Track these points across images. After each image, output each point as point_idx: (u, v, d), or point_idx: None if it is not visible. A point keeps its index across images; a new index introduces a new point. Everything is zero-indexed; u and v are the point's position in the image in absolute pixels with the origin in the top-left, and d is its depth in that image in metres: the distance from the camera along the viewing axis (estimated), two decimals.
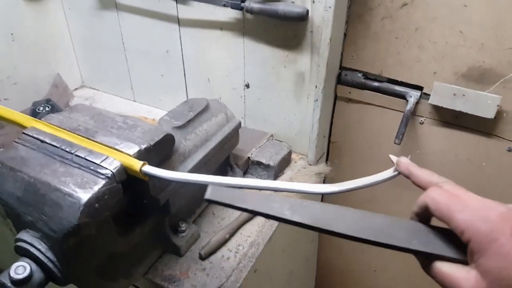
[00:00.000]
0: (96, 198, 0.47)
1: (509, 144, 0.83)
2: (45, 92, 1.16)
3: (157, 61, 1.11)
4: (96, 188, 0.47)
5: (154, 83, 1.16)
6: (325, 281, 1.36)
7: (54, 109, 0.88)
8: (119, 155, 0.51)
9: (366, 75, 0.91)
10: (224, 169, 0.89)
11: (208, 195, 0.44)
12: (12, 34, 1.05)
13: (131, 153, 0.52)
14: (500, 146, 0.84)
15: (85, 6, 1.13)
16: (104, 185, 0.48)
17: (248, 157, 0.94)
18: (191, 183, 0.49)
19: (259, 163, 0.93)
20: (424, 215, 0.41)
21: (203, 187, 0.80)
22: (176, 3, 0.97)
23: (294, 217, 0.41)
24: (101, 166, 0.49)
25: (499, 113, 0.79)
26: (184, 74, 1.09)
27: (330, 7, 0.74)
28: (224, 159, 0.86)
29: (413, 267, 1.10)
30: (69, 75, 1.25)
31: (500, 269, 0.33)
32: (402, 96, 0.88)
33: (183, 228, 0.76)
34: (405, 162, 0.46)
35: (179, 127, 0.71)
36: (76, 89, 1.29)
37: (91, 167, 0.49)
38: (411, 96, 0.86)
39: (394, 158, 0.47)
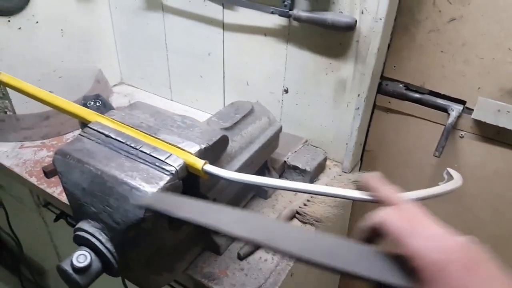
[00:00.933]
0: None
1: None
2: (87, 86, 1.20)
3: (197, 62, 1.13)
4: (161, 183, 0.49)
5: (193, 83, 1.18)
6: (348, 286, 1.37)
7: (103, 104, 0.91)
8: (181, 153, 0.53)
9: (408, 86, 0.92)
10: (261, 171, 0.91)
11: (145, 201, 0.43)
12: (62, 29, 1.09)
13: (193, 152, 0.54)
14: None
15: (132, 6, 1.16)
16: (168, 181, 0.50)
17: (284, 161, 0.96)
18: (237, 183, 0.50)
19: (295, 168, 0.95)
20: (375, 235, 0.39)
21: (242, 188, 0.82)
22: (223, 8, 0.99)
23: (235, 230, 0.38)
24: (166, 162, 0.51)
25: None
26: (223, 76, 1.11)
27: (380, 19, 0.75)
28: (264, 162, 0.87)
29: None
30: (109, 72, 1.28)
31: None
32: (443, 109, 0.89)
33: None
34: (373, 177, 0.44)
35: (227, 129, 0.73)
36: (115, 85, 1.33)
37: (156, 163, 0.51)
38: (453, 110, 0.87)
39: (452, 171, 0.48)
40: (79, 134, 0.56)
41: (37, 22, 1.03)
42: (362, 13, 0.80)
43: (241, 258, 0.76)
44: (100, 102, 0.89)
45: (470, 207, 0.96)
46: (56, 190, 0.89)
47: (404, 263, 0.35)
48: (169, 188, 0.50)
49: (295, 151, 0.99)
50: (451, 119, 0.86)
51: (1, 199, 1.42)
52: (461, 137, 0.89)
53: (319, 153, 0.99)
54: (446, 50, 0.84)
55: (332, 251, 0.37)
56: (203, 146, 0.55)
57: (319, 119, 0.99)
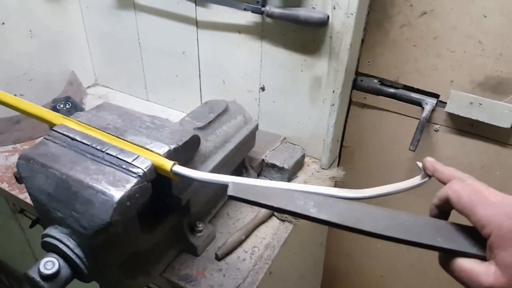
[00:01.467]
0: (128, 197, 0.48)
1: None
2: (59, 89, 1.17)
3: (172, 61, 1.11)
4: (128, 186, 0.48)
5: (169, 83, 1.17)
6: (331, 285, 1.37)
7: (74, 106, 0.89)
8: (150, 154, 0.52)
9: (382, 81, 0.92)
10: (239, 170, 0.90)
11: (231, 191, 0.44)
12: (30, 31, 1.06)
13: (161, 153, 0.52)
14: None
15: (103, 5, 1.14)
16: (136, 184, 0.49)
17: (262, 159, 0.95)
18: (211, 183, 0.49)
19: (273, 166, 0.94)
20: (444, 208, 0.42)
21: (220, 188, 0.81)
22: (195, 6, 0.98)
23: (321, 215, 0.41)
24: (133, 165, 0.50)
25: None
26: (199, 75, 1.10)
27: (352, 14, 0.75)
28: (241, 161, 0.86)
29: (419, 272, 1.11)
30: (82, 73, 1.26)
31: None
32: (418, 103, 0.89)
33: (200, 228, 0.76)
34: (430, 160, 0.47)
35: (200, 128, 0.72)
36: (89, 86, 1.30)
37: (123, 166, 0.50)
38: (427, 104, 0.87)
39: (420, 164, 0.48)
40: (44, 138, 0.54)
41: (3, 23, 1.00)
42: (334, 8, 0.80)
43: (219, 258, 0.76)
44: (70, 105, 0.87)
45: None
46: (28, 195, 0.87)
47: (474, 234, 0.38)
48: (137, 190, 0.49)
49: (273, 149, 0.98)
50: (425, 113, 0.87)
51: None
52: (436, 130, 0.90)
53: (297, 151, 0.99)
54: (419, 44, 0.84)
55: (411, 227, 0.40)
56: (172, 146, 0.54)
57: (296, 117, 0.99)
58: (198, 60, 1.07)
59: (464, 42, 0.79)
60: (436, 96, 0.87)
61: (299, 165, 0.98)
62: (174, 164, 0.51)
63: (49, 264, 0.49)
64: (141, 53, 1.16)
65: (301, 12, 0.81)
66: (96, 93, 1.27)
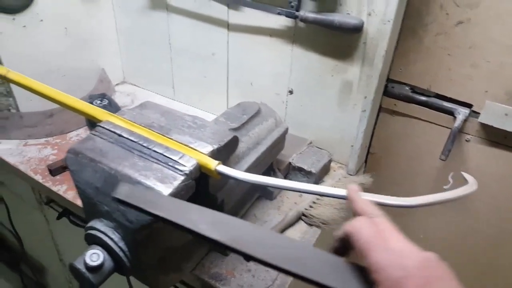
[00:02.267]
0: (175, 194, 0.49)
1: None
2: (91, 85, 1.19)
3: (201, 62, 1.13)
4: (176, 183, 0.49)
5: (196, 83, 1.18)
6: None
7: (110, 103, 0.91)
8: (194, 153, 0.53)
9: (414, 89, 0.92)
10: (267, 173, 0.91)
11: (118, 194, 0.40)
12: (66, 28, 1.08)
13: (205, 152, 0.53)
14: None
15: (135, 6, 1.16)
16: (182, 181, 0.50)
17: (289, 162, 0.96)
18: (247, 183, 0.49)
19: (300, 169, 0.95)
20: (346, 243, 0.40)
21: (249, 189, 0.82)
22: (228, 9, 0.99)
23: (212, 234, 0.38)
24: (179, 163, 0.51)
25: None
26: (227, 77, 1.11)
27: (389, 21, 0.75)
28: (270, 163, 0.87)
29: None
30: (111, 71, 1.28)
31: None
32: (450, 112, 0.89)
33: None
34: (353, 189, 0.46)
35: (235, 129, 0.73)
36: (117, 84, 1.32)
37: (170, 163, 0.51)
38: (459, 113, 0.87)
39: (467, 175, 0.48)
40: (91, 133, 0.56)
41: (41, 20, 1.02)
42: (370, 15, 0.80)
43: (248, 259, 0.76)
44: (107, 101, 0.89)
45: (475, 211, 0.96)
46: (61, 188, 0.89)
47: (367, 276, 0.36)
48: (183, 188, 0.50)
49: (300, 153, 0.99)
50: (457, 123, 0.86)
51: (2, 196, 1.41)
52: (467, 140, 0.90)
53: (324, 155, 0.99)
54: (453, 53, 0.84)
55: (301, 259, 0.37)
56: (215, 146, 0.55)
57: (323, 121, 1.00)
58: (227, 62, 1.08)
59: (500, 52, 0.79)
60: (469, 106, 0.87)
61: (325, 169, 0.99)
62: (218, 164, 0.52)
63: (95, 256, 0.50)
64: (171, 53, 1.18)
65: (336, 18, 0.81)
66: (124, 91, 1.29)
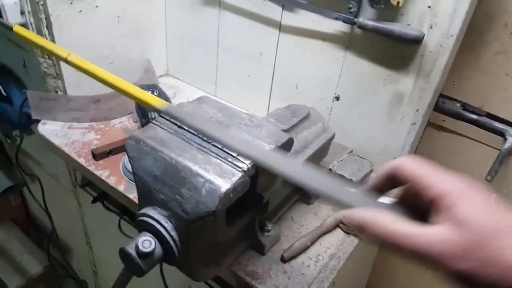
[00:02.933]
0: (233, 189, 0.49)
1: None
2: (136, 74, 1.21)
3: (248, 61, 1.13)
4: (234, 179, 0.49)
5: (239, 82, 1.18)
6: None
7: (160, 94, 0.92)
8: None
9: (465, 106, 0.90)
10: None
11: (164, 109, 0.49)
12: (118, 16, 1.10)
13: None
14: None
15: (187, 0, 1.17)
16: (240, 178, 0.50)
17: (330, 169, 0.95)
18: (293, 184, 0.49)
19: (341, 177, 0.94)
20: (387, 183, 0.40)
21: (291, 192, 0.81)
22: (282, 9, 0.99)
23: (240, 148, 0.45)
24: (238, 159, 0.51)
25: None
26: (272, 78, 1.11)
27: (452, 36, 0.74)
28: None
29: None
30: (156, 62, 1.30)
31: (481, 214, 0.33)
32: (500, 133, 0.87)
33: (269, 228, 0.77)
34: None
35: (285, 131, 0.73)
36: (160, 76, 1.34)
37: (229, 159, 0.51)
38: (511, 135, 0.85)
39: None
40: (152, 123, 0.56)
41: (96, 6, 1.04)
42: (431, 27, 0.79)
43: (284, 260, 0.76)
44: (157, 92, 0.90)
45: None
46: (103, 173, 0.90)
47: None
48: (240, 184, 0.50)
49: (341, 160, 0.98)
50: (508, 144, 0.84)
51: (39, 176, 1.45)
52: None
53: (365, 165, 0.98)
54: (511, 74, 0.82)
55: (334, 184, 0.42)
56: (272, 146, 0.55)
57: (368, 130, 0.98)
58: (274, 63, 1.08)
59: None
60: None
61: (366, 179, 0.97)
62: None
63: (147, 243, 0.50)
64: (218, 50, 1.18)
65: (396, 28, 0.80)
66: (166, 83, 1.31)
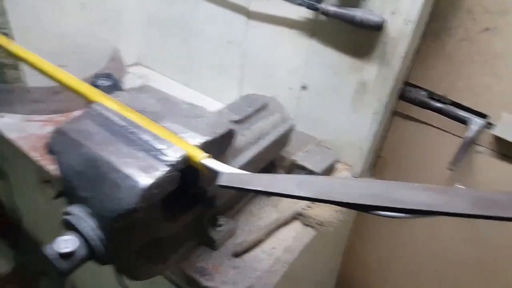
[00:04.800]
0: (157, 184, 0.47)
1: None
2: (101, 64, 1.17)
3: (218, 50, 1.10)
4: (158, 174, 0.47)
5: (211, 71, 1.15)
6: None
7: (114, 84, 0.89)
8: (184, 143, 0.50)
9: (430, 95, 0.88)
10: (268, 169, 0.88)
11: (222, 181, 0.45)
12: (82, 3, 1.06)
13: (195, 143, 0.51)
14: None
15: None
16: (166, 172, 0.47)
17: (294, 160, 0.92)
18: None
19: (303, 168, 0.91)
20: None
21: None
22: None
23: (300, 192, 0.43)
24: (165, 153, 0.49)
25: None
26: (243, 67, 1.08)
27: (411, 21, 0.71)
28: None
29: (437, 286, 1.06)
30: (126, 51, 1.26)
31: None
32: (464, 122, 0.84)
33: (221, 223, 0.75)
34: None
35: (237, 122, 0.70)
36: (130, 65, 1.31)
37: (155, 152, 0.49)
38: (474, 123, 0.82)
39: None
40: (80, 114, 0.54)
41: None
42: (393, 13, 0.76)
43: (236, 255, 0.74)
44: (111, 82, 0.87)
45: (481, 228, 0.92)
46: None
47: None
48: (166, 179, 0.47)
49: (306, 151, 0.95)
50: (470, 133, 0.82)
51: (6, 171, 1.42)
52: (479, 152, 0.85)
53: (330, 155, 0.95)
54: (476, 61, 0.79)
55: (386, 193, 0.42)
56: (207, 138, 0.52)
57: (335, 120, 0.96)
58: (244, 51, 1.05)
59: None
60: (485, 116, 0.82)
61: (330, 170, 0.95)
62: (208, 156, 0.49)
63: (66, 242, 0.48)
64: (189, 38, 1.15)
65: (358, 13, 0.77)
66: (136, 73, 1.27)
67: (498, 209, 0.40)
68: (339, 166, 0.99)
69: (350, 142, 0.95)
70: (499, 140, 0.81)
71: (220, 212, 0.77)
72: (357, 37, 0.82)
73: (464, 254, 0.98)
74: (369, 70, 0.84)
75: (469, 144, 0.82)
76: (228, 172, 0.45)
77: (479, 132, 0.83)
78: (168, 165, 0.48)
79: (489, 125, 0.82)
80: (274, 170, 0.88)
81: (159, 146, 0.49)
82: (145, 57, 1.31)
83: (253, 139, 0.73)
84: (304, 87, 0.97)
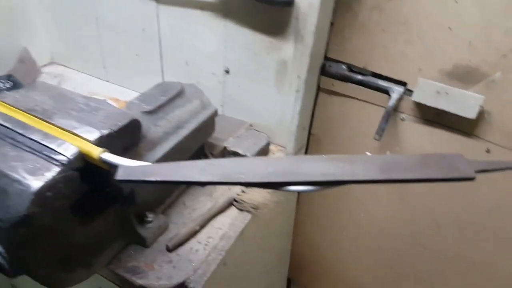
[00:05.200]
0: (48, 187, 0.42)
1: (488, 145, 0.81)
2: (7, 66, 1.08)
3: (132, 39, 1.05)
4: (48, 175, 0.43)
5: (129, 63, 1.10)
6: (298, 274, 1.35)
7: (16, 86, 0.82)
8: (77, 140, 0.47)
9: (351, 68, 0.88)
10: (198, 158, 0.85)
11: (119, 176, 0.42)
12: None
13: (91, 139, 0.47)
14: (479, 147, 0.82)
15: None
16: (58, 173, 0.43)
17: (225, 147, 0.90)
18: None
19: (235, 153, 0.90)
20: None
21: None
22: None
23: (202, 178, 0.41)
24: (56, 151, 0.45)
25: (480, 114, 0.77)
26: (161, 55, 1.04)
27: None
28: (199, 148, 0.82)
29: (382, 261, 1.10)
30: (38, 50, 1.17)
31: None
32: (386, 91, 0.86)
33: (149, 219, 0.72)
34: None
35: (149, 112, 0.67)
36: (44, 65, 1.22)
37: (45, 152, 0.45)
38: (394, 92, 0.84)
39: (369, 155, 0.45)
40: None
41: None
42: None
43: (170, 250, 0.71)
44: (12, 84, 0.80)
45: (410, 189, 0.95)
46: None
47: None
48: (60, 180, 0.44)
49: (237, 136, 0.94)
50: (391, 102, 0.84)
51: None
52: (402, 120, 0.87)
53: (262, 138, 0.94)
54: (388, 29, 0.80)
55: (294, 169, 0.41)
56: (104, 132, 0.49)
57: (262, 102, 0.94)
58: (159, 38, 1.01)
59: (434, 28, 0.76)
60: (403, 84, 0.84)
61: (263, 153, 0.94)
62: (103, 152, 0.45)
63: None
64: (99, 30, 1.09)
65: None
66: (51, 72, 1.19)
67: (404, 172, 0.40)
68: (272, 148, 0.98)
69: (279, 122, 0.95)
70: (418, 106, 0.83)
71: (149, 208, 0.74)
72: (271, 15, 0.81)
73: (400, 231, 1.01)
74: (287, 48, 0.83)
75: (390, 113, 0.83)
76: (126, 165, 0.42)
77: (400, 100, 0.85)
78: (60, 165, 0.44)
79: (408, 92, 0.84)
80: (205, 158, 0.86)
81: (49, 145, 0.45)
82: (59, 55, 1.23)
83: (171, 129, 0.70)
84: (227, 71, 0.95)
